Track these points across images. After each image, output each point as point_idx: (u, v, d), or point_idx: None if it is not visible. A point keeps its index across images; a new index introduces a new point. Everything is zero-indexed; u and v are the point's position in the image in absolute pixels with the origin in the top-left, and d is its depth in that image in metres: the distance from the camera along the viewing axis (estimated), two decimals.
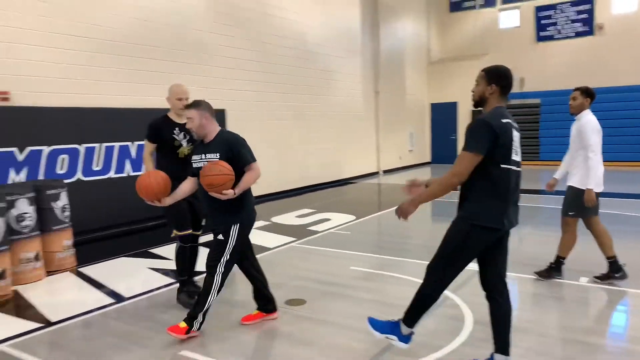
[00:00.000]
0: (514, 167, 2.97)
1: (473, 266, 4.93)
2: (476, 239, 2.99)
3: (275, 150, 11.82)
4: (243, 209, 3.93)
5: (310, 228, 8.02)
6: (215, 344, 3.82)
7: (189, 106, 3.93)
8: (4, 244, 5.04)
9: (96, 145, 7.80)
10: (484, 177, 2.92)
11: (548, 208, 9.18)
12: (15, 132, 6.78)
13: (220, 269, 3.84)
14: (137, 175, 5.54)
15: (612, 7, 16.09)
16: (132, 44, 8.43)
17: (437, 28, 19.60)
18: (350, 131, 14.81)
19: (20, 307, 4.81)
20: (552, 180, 5.30)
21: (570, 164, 5.02)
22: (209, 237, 4.21)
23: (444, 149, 18.96)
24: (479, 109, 3.19)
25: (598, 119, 4.86)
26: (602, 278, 4.94)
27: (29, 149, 6.93)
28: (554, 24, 17.06)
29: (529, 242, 6.80)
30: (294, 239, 7.27)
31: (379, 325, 3.25)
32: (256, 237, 7.45)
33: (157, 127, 4.56)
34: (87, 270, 5.93)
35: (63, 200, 6.00)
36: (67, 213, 6.07)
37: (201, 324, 3.90)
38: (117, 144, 8.10)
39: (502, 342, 3.12)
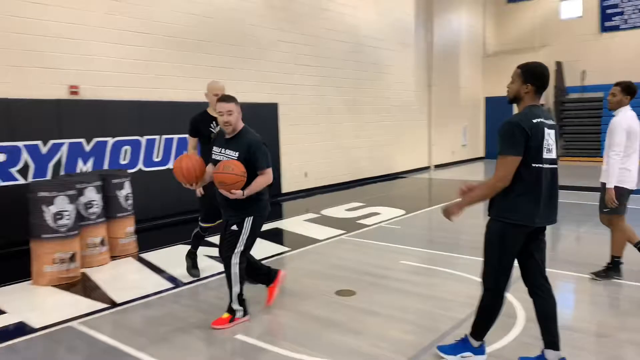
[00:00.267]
0: (546, 165, 2.98)
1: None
2: (511, 237, 3.02)
3: (326, 144, 11.94)
4: (258, 203, 4.01)
5: (359, 221, 8.08)
6: (266, 330, 3.97)
7: (229, 99, 3.93)
8: (75, 229, 5.41)
9: (156, 137, 8.17)
10: (517, 176, 2.94)
11: None
12: (83, 124, 7.22)
13: (234, 259, 3.96)
14: None
15: None
16: (190, 40, 8.75)
17: (493, 20, 19.07)
18: (402, 125, 14.71)
19: (88, 288, 5.15)
20: None
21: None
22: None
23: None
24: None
25: None
26: (601, 275, 4.95)
27: (95, 140, 7.35)
28: (620, 13, 16.23)
29: (587, 241, 6.59)
30: (343, 231, 7.35)
31: (449, 349, 3.35)
32: (306, 229, 7.64)
33: (196, 122, 4.85)
34: (148, 255, 6.25)
35: (127, 189, 6.35)
36: (130, 201, 6.41)
37: (244, 311, 4.07)
38: (176, 137, 8.45)
39: (550, 337, 3.11)
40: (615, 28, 16.35)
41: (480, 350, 3.29)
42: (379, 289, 4.84)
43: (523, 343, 3.57)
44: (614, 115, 4.82)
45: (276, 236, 7.34)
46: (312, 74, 11.37)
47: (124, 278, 5.51)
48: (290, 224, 8.16)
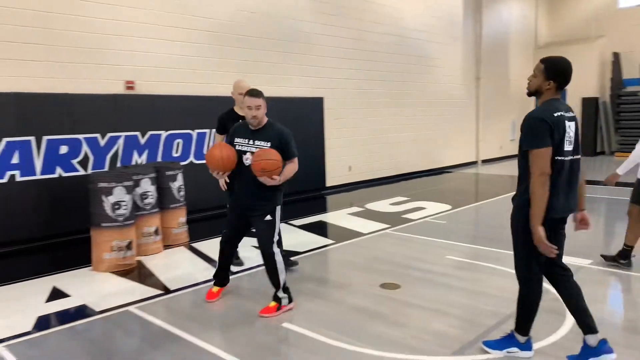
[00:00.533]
0: (567, 157, 3.01)
1: (576, 260, 4.77)
2: None
3: (371, 138, 11.94)
4: (281, 192, 4.23)
5: (404, 216, 8.07)
6: (312, 319, 4.06)
7: (257, 94, 4.05)
8: (131, 219, 5.69)
9: (207, 131, 8.42)
10: None
11: None
12: (138, 118, 7.54)
13: (275, 249, 4.13)
14: None
15: None
16: (238, 35, 8.95)
17: (546, 10, 18.45)
18: (449, 119, 14.51)
19: (143, 275, 5.41)
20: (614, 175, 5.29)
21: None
22: None
23: None
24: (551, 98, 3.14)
25: None
26: (608, 259, 5.23)
27: (149, 133, 7.67)
28: None
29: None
30: (388, 225, 7.38)
31: (495, 344, 3.36)
32: (350, 222, 7.71)
33: (223, 119, 5.04)
34: (198, 245, 6.49)
35: (179, 181, 6.60)
36: (182, 193, 6.67)
37: (289, 298, 4.22)
38: None
39: (583, 322, 3.10)
40: None
41: (526, 346, 3.28)
42: (424, 283, 4.86)
43: (571, 340, 3.51)
44: None
45: (320, 229, 7.45)
46: (357, 68, 11.38)
47: (176, 266, 5.74)
48: (334, 217, 8.25)
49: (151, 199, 6.11)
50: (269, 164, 3.88)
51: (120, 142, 7.34)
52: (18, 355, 3.54)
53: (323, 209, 9.32)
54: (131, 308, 4.40)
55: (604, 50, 17.08)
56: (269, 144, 4.05)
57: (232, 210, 4.40)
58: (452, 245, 6.25)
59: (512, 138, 17.51)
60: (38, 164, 6.56)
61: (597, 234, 6.72)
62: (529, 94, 3.21)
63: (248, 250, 5.83)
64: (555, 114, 2.96)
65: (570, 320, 3.86)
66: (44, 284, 5.10)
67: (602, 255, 5.34)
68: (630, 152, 5.17)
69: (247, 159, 4.08)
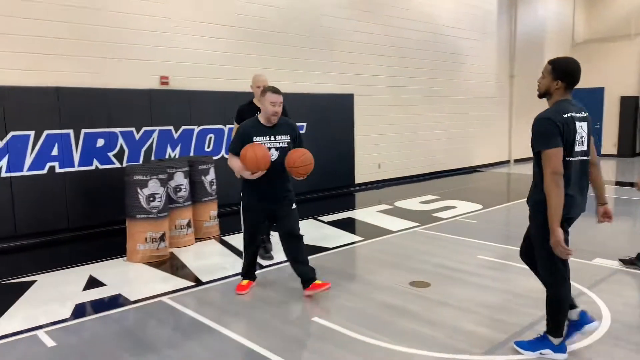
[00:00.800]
0: (578, 158, 3.04)
1: (611, 263, 4.68)
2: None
3: (401, 135, 11.86)
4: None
5: (434, 214, 8.00)
6: (342, 315, 4.08)
7: (279, 92, 4.26)
8: (165, 211, 5.81)
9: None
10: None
11: None
12: (172, 113, 7.68)
13: (301, 232, 4.51)
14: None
15: None
16: (269, 32, 9.01)
17: (583, 6, 17.94)
18: (481, 117, 14.29)
19: (175, 267, 5.52)
20: None
21: None
22: None
23: None
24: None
25: None
26: (627, 262, 5.09)
27: (182, 128, 7.80)
28: None
29: None
30: (417, 224, 7.33)
31: (528, 345, 3.33)
32: (379, 219, 7.69)
33: (242, 111, 5.26)
34: (229, 239, 6.58)
35: (211, 175, 6.70)
36: (214, 187, 6.77)
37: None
38: None
39: None
40: None
41: (560, 349, 3.22)
42: (455, 282, 4.82)
43: (606, 344, 3.44)
44: None
45: (349, 226, 7.45)
46: (388, 64, 11.31)
47: (207, 259, 5.84)
48: (363, 214, 8.24)
49: (184, 192, 6.22)
50: (311, 167, 4.30)
51: (155, 136, 7.49)
52: (58, 341, 3.67)
53: (352, 206, 9.32)
54: (164, 298, 4.50)
55: None
56: (288, 137, 4.36)
57: (254, 208, 4.48)
58: (482, 244, 6.17)
59: None
60: (76, 156, 6.76)
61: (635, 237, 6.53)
62: (540, 96, 3.25)
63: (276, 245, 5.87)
64: (565, 115, 2.99)
65: (606, 323, 3.78)
66: (81, 273, 5.26)
67: (620, 260, 5.20)
68: None
69: (273, 155, 4.25)
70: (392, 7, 11.32)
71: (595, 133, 17.22)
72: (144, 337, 3.77)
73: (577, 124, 3.01)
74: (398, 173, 11.87)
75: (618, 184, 11.22)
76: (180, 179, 6.17)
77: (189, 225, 6.28)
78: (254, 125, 4.34)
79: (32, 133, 6.38)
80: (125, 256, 5.75)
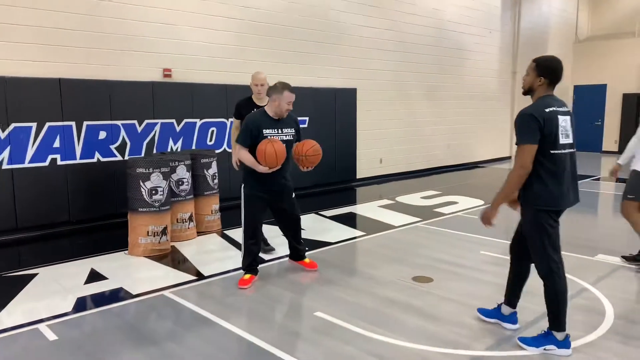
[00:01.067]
0: (564, 150, 3.15)
1: (614, 260, 4.67)
2: (545, 220, 3.17)
3: (404, 130, 11.84)
4: None
5: (436, 210, 7.99)
6: (344, 310, 4.06)
7: (294, 91, 4.49)
8: (167, 205, 5.79)
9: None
10: (538, 164, 3.11)
11: None
12: (175, 106, 7.64)
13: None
14: None
15: None
16: (275, 25, 8.96)
17: (587, 4, 17.87)
18: (483, 112, 14.26)
19: (176, 261, 5.51)
20: (616, 165, 5.36)
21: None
22: None
23: (587, 135, 17.05)
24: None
25: None
26: (629, 259, 5.11)
27: (185, 121, 7.77)
28: None
29: None
30: (419, 219, 7.31)
31: (531, 341, 3.33)
32: (380, 214, 7.67)
33: (240, 106, 5.32)
34: (230, 233, 6.56)
35: (213, 168, 6.68)
36: (216, 180, 6.75)
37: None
38: None
39: (516, 296, 3.59)
40: None
41: (564, 344, 3.21)
42: (458, 277, 4.81)
43: (610, 340, 3.43)
44: None
45: (350, 220, 7.44)
46: (391, 59, 11.27)
47: (209, 252, 5.82)
48: (365, 209, 8.22)
49: (186, 186, 6.20)
50: (319, 158, 4.58)
51: (157, 128, 7.46)
52: (59, 334, 3.65)
53: (353, 201, 9.30)
54: (166, 292, 4.48)
55: None
56: (292, 130, 4.64)
57: (257, 198, 4.62)
58: (485, 240, 6.15)
59: None
60: (78, 148, 6.73)
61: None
62: (524, 93, 3.34)
63: (277, 237, 5.85)
64: (547, 110, 3.10)
65: (609, 319, 3.77)
66: (82, 266, 5.25)
67: (622, 257, 5.22)
68: None
69: None
70: (399, 2, 11.26)
71: (596, 130, 17.37)
72: (145, 330, 3.76)
73: (560, 117, 3.13)
74: (400, 168, 11.86)
75: (619, 180, 11.18)
76: (182, 172, 6.15)
77: (190, 219, 6.26)
78: (262, 117, 4.51)
79: (34, 125, 6.36)
80: (126, 249, 5.74)
